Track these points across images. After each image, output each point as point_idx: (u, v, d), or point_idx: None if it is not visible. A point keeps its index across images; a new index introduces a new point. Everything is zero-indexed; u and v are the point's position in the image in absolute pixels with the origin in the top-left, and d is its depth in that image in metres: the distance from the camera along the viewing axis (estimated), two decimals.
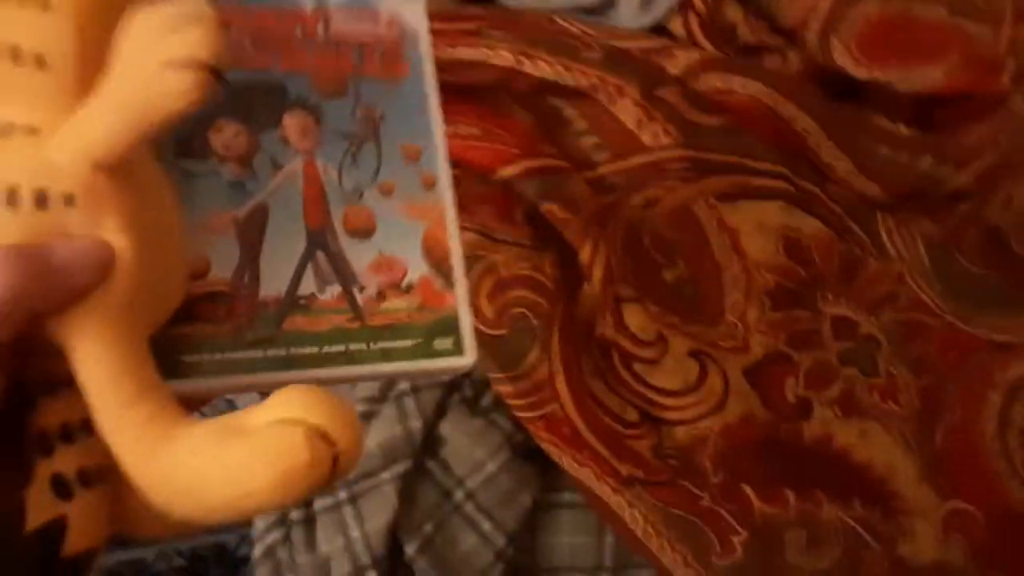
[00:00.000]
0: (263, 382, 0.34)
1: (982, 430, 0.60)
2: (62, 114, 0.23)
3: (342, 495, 0.54)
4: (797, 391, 0.59)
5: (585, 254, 0.59)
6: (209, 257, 0.35)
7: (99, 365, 0.23)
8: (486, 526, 0.54)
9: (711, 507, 0.55)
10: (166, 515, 0.23)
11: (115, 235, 0.23)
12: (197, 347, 0.33)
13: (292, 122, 0.37)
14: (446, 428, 0.56)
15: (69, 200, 0.22)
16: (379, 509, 0.53)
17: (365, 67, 0.39)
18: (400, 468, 0.54)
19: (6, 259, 0.21)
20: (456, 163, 0.41)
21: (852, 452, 0.58)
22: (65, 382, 0.23)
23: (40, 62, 0.23)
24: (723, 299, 0.61)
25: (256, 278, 0.35)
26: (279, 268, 0.35)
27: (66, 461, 0.23)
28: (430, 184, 0.39)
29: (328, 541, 0.54)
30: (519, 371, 0.56)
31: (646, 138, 0.63)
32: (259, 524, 0.55)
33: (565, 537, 0.57)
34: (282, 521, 0.55)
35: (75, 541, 0.22)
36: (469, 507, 0.55)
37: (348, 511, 0.54)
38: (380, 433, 0.54)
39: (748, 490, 0.56)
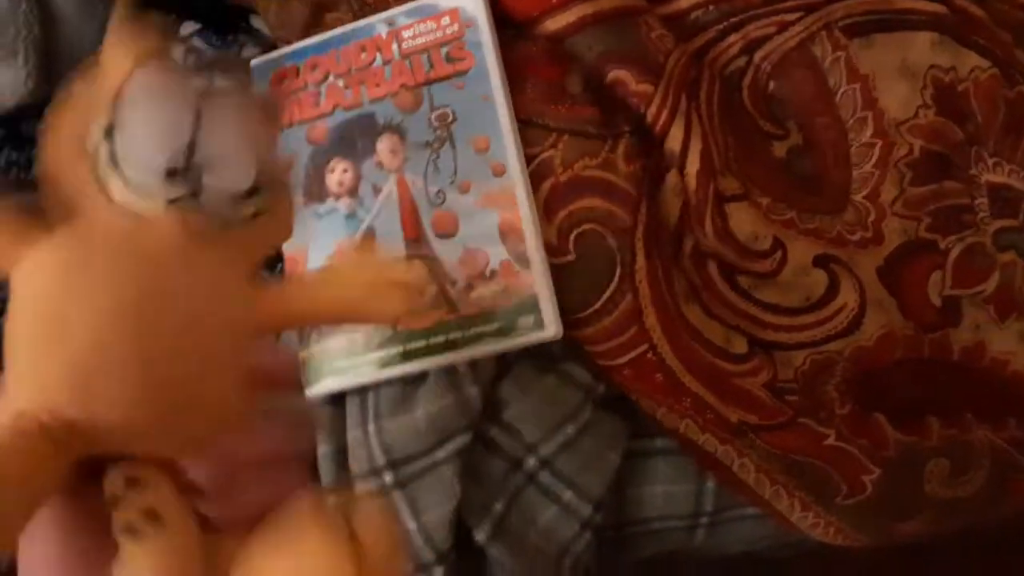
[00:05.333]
0: (388, 376, 0.42)
1: None
2: None
3: (387, 479, 0.43)
4: (943, 290, 0.46)
5: (674, 139, 0.42)
6: None
7: None
8: (567, 496, 0.44)
9: (837, 445, 0.45)
10: None
11: None
12: (343, 354, 0.41)
13: (383, 146, 0.42)
14: (509, 388, 0.43)
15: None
16: (438, 498, 0.42)
17: (435, 71, 0.42)
18: (457, 444, 0.42)
19: None
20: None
21: (1009, 362, 0.46)
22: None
23: None
24: (849, 174, 0.46)
25: None
26: None
27: (133, 506, 0.24)
28: (500, 171, 0.42)
29: None
30: (596, 308, 0.42)
31: None
32: None
33: (660, 487, 0.47)
34: None
35: None
36: (545, 476, 0.44)
37: (399, 498, 0.43)
38: (428, 405, 0.42)
39: (882, 420, 0.46)
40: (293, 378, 0.27)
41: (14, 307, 0.25)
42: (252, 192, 0.27)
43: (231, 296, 0.27)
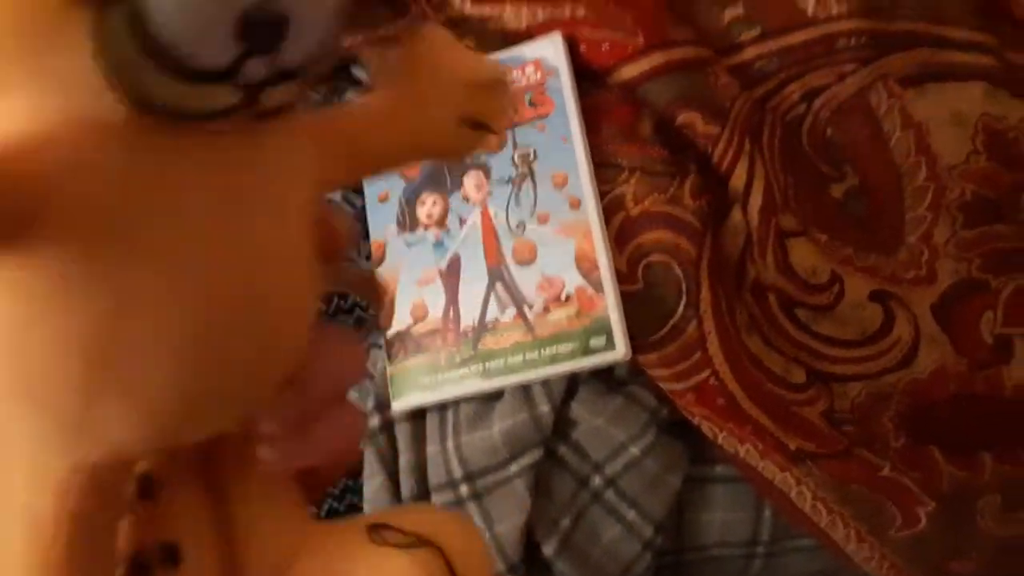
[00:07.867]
0: (467, 393, 0.45)
1: None
2: None
3: (463, 491, 0.46)
4: (995, 328, 0.48)
5: (739, 177, 0.45)
6: (425, 303, 0.46)
7: None
8: (631, 515, 0.46)
9: (892, 477, 0.47)
10: None
11: None
12: (427, 371, 0.45)
13: (469, 182, 0.47)
14: (578, 408, 0.46)
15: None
16: (510, 509, 0.44)
17: (519, 114, 0.45)
18: (529, 459, 0.45)
19: None
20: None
21: None
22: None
23: None
24: (903, 216, 0.49)
25: (458, 313, 0.45)
26: (471, 302, 0.45)
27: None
28: (576, 205, 0.45)
29: None
30: (662, 335, 0.45)
31: (810, 6, 0.48)
32: (367, 509, 0.48)
33: (719, 513, 0.48)
34: None
35: None
36: (610, 495, 0.46)
37: (473, 509, 0.45)
38: (503, 422, 0.45)
39: (936, 454, 0.47)
40: (353, 238, 0.21)
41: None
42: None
43: (299, 212, 0.17)
